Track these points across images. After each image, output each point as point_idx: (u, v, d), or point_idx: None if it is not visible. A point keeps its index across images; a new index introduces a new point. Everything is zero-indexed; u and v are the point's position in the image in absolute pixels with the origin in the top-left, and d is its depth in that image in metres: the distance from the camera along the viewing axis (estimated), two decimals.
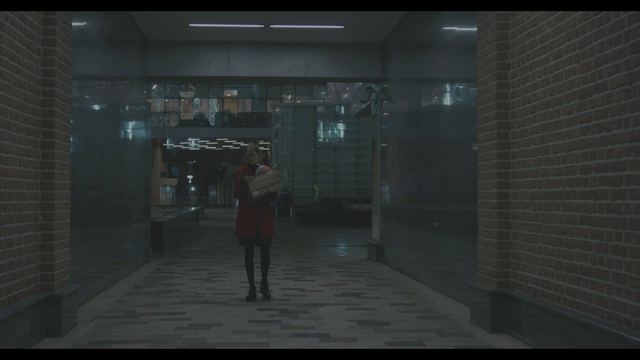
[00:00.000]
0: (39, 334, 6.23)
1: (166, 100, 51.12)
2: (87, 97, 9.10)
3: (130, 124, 12.18)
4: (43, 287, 6.43)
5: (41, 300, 6.27)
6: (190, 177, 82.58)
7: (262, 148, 48.03)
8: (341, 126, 36.98)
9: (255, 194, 8.42)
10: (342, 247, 17.75)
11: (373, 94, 14.06)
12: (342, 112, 36.77)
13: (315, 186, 36.11)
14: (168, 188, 66.83)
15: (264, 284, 8.77)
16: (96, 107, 9.69)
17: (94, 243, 9.17)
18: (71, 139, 7.19)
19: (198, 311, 7.84)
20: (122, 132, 11.47)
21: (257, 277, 9.63)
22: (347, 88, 45.03)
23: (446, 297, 8.94)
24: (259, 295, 8.83)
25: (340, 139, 36.98)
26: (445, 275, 9.33)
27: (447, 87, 9.73)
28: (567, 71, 5.58)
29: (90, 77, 9.28)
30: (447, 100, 9.75)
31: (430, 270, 10.05)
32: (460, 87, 9.14)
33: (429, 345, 6.17)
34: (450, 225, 9.22)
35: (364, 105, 15.73)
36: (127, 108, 11.88)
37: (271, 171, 8.64)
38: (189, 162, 79.95)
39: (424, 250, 10.47)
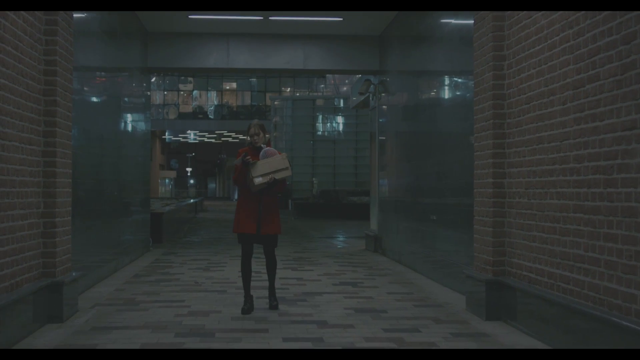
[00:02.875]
0: (40, 320, 6.33)
1: (165, 92, 51.11)
2: (87, 88, 9.18)
3: (130, 116, 12.27)
4: (45, 274, 6.53)
5: (43, 287, 6.37)
6: (189, 169, 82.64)
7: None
8: (340, 119, 37.01)
9: (257, 180, 6.96)
10: (341, 239, 17.86)
11: (371, 86, 14.14)
12: (341, 104, 36.80)
13: (313, 179, 36.18)
14: (167, 180, 66.90)
15: (271, 291, 7.40)
16: (96, 98, 9.77)
17: (95, 233, 9.28)
18: (76, 132, 7.28)
19: (197, 299, 7.94)
20: (122, 123, 11.56)
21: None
22: (346, 81, 45.01)
23: (443, 287, 9.04)
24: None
25: (339, 131, 37.02)
26: (442, 265, 9.43)
27: (445, 79, 9.82)
28: (561, 62, 5.67)
29: (91, 68, 9.36)
30: (444, 93, 9.85)
31: (427, 260, 10.15)
32: (458, 79, 9.23)
33: (425, 332, 6.27)
34: (447, 216, 9.32)
35: (362, 98, 15.82)
36: (127, 99, 11.96)
37: (278, 154, 7.16)
38: (187, 155, 79.98)
39: (421, 241, 10.58)
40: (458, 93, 9.20)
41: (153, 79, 47.74)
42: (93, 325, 6.49)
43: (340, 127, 37.07)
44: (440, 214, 9.64)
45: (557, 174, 5.72)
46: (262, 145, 7.25)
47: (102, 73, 10.20)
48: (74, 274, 7.08)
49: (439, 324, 6.61)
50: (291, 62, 13.86)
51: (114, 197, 10.68)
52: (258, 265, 9.08)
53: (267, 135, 7.36)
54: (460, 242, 8.66)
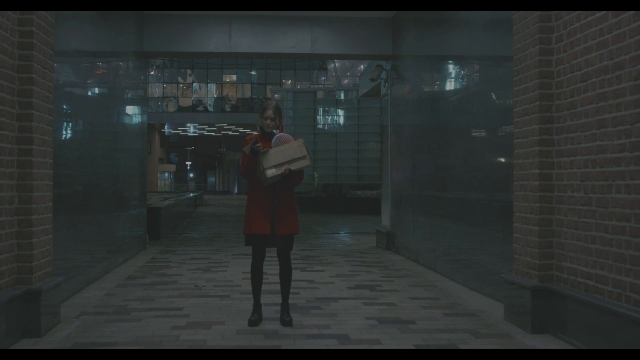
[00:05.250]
0: (14, 334, 5.40)
1: (164, 85, 50.15)
2: (78, 73, 8.26)
3: (125, 103, 11.33)
4: (19, 281, 5.59)
5: (17, 296, 5.43)
6: (188, 163, 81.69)
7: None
8: (341, 112, 36.13)
9: (270, 172, 5.87)
10: (348, 235, 16.97)
11: (383, 72, 13.20)
12: (342, 97, 35.93)
13: (315, 172, 35.30)
14: (166, 174, 65.94)
15: (285, 307, 6.25)
16: (88, 84, 8.84)
17: (84, 230, 8.35)
18: (63, 120, 6.35)
19: (197, 306, 7.01)
20: (116, 110, 10.62)
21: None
22: (348, 73, 44.09)
23: (470, 291, 8.13)
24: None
25: (340, 124, 36.13)
26: (466, 265, 8.52)
27: (472, 62, 8.88)
28: (631, 30, 4.74)
29: (82, 52, 8.44)
30: (470, 79, 8.91)
31: (449, 260, 9.24)
32: (484, 63, 8.30)
33: (465, 349, 5.35)
34: (474, 211, 8.40)
35: (373, 85, 14.89)
36: (121, 86, 11.02)
37: (294, 141, 6.06)
38: (187, 149, 79.05)
39: (442, 238, 9.65)
40: (484, 78, 8.27)
41: (152, 72, 46.84)
42: (76, 340, 5.55)
43: (342, 120, 36.17)
44: (466, 209, 8.72)
45: (626, 163, 4.79)
46: (275, 131, 6.14)
47: (94, 57, 9.26)
48: (56, 279, 6.14)
49: (479, 339, 5.68)
50: (298, 46, 12.89)
51: (106, 190, 9.74)
52: (265, 266, 8.18)
53: (282, 120, 6.19)
54: (490, 240, 7.75)
